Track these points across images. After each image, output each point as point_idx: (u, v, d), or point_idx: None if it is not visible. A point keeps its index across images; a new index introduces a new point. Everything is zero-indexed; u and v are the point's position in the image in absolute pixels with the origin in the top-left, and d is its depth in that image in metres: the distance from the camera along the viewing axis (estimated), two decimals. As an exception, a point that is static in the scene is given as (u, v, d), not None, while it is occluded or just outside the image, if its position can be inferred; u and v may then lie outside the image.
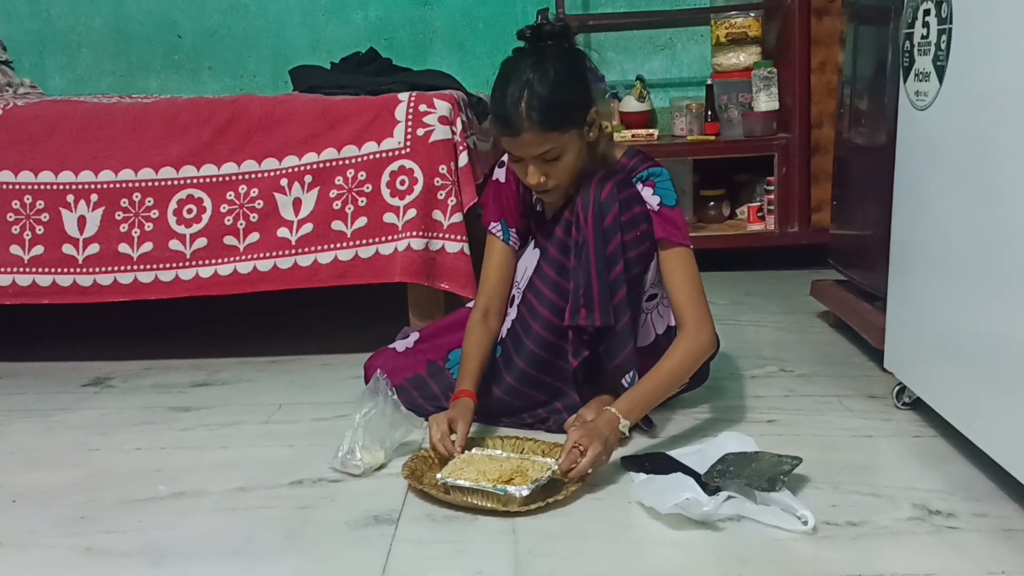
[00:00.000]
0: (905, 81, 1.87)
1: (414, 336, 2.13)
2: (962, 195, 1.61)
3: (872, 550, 1.39)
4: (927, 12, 1.75)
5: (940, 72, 1.69)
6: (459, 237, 2.41)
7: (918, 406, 1.92)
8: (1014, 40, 1.42)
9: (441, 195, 2.41)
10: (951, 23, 1.64)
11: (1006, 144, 1.45)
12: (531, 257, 1.94)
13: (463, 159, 2.44)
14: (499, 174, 1.98)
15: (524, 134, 1.71)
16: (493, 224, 1.96)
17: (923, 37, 1.76)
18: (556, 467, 1.61)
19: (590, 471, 1.60)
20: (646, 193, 1.82)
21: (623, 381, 1.80)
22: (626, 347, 1.81)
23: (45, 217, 2.49)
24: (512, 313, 1.93)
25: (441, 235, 2.41)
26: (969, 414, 1.63)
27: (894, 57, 2.07)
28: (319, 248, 2.44)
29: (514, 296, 1.95)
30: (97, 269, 2.48)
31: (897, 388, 1.97)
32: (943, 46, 1.67)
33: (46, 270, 2.49)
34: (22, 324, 2.83)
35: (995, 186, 1.49)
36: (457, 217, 2.41)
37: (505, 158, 1.95)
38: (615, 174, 1.81)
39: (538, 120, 1.70)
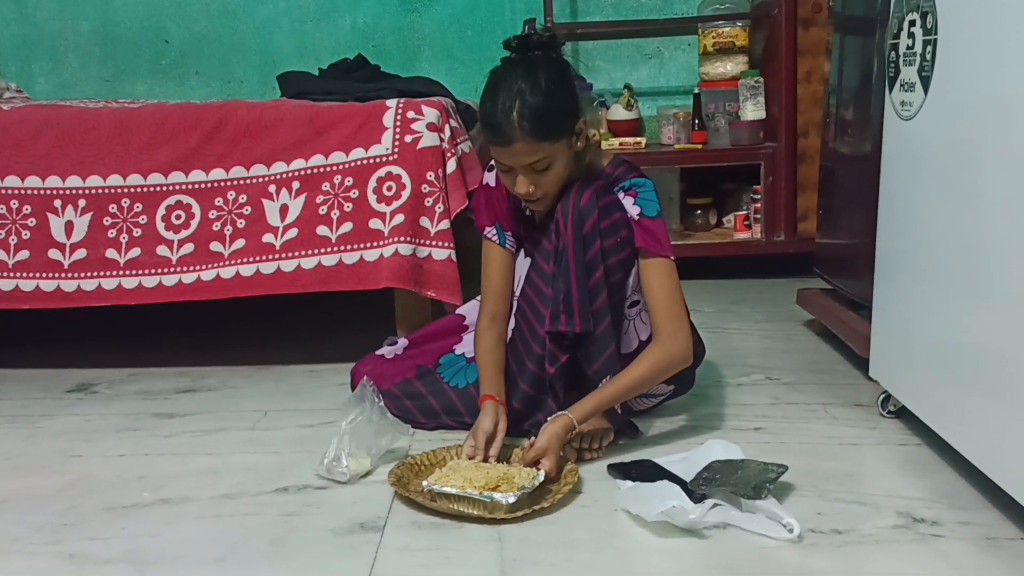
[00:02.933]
0: (890, 91, 1.88)
1: (402, 343, 2.12)
2: (947, 204, 1.62)
3: (857, 558, 1.39)
4: (912, 23, 1.76)
5: (925, 82, 1.70)
6: (446, 244, 2.41)
7: (903, 414, 1.93)
8: (999, 51, 1.44)
9: (428, 202, 2.41)
10: (936, 34, 1.65)
11: (990, 154, 1.46)
12: (523, 266, 1.94)
13: (451, 166, 2.44)
14: (489, 178, 1.98)
15: (516, 143, 1.71)
16: (488, 229, 1.95)
17: (908, 48, 1.78)
18: (542, 475, 1.61)
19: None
20: (627, 202, 1.82)
21: (600, 385, 1.81)
22: (605, 352, 1.81)
23: (31, 222, 2.47)
24: (512, 323, 1.93)
25: (428, 242, 2.41)
26: (954, 422, 1.63)
27: (879, 67, 2.08)
28: (303, 253, 2.42)
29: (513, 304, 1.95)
30: (82, 274, 2.46)
31: (882, 396, 1.98)
32: (928, 57, 1.68)
33: (30, 275, 2.47)
34: (6, 329, 2.81)
35: (979, 195, 1.50)
36: (444, 224, 2.41)
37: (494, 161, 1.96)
38: (595, 181, 1.82)
39: (530, 129, 1.70)
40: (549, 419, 1.73)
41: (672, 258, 1.81)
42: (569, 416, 1.71)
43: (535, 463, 1.66)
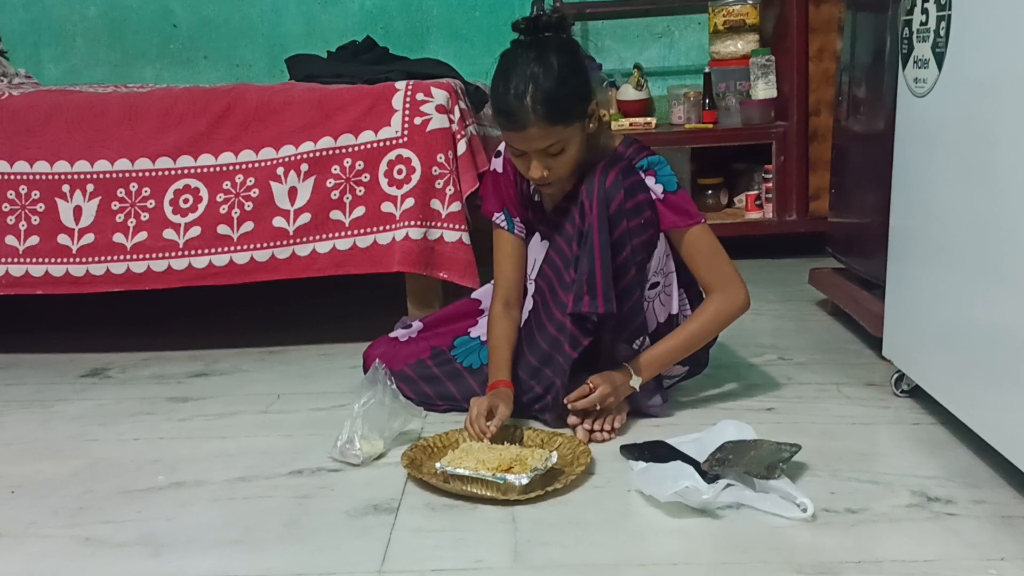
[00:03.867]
0: (904, 68, 1.86)
1: (417, 326, 2.12)
2: (961, 182, 1.61)
3: (871, 537, 1.39)
4: (926, -2, 1.74)
5: (939, 59, 1.68)
6: (458, 226, 2.41)
7: (916, 393, 1.92)
8: (1013, 27, 1.42)
9: (439, 184, 2.40)
10: (950, 9, 1.63)
11: (1005, 131, 1.44)
12: (539, 249, 1.94)
13: (462, 147, 2.43)
14: (496, 164, 1.97)
15: (530, 128, 1.70)
16: (496, 215, 1.95)
17: (922, 24, 1.76)
18: (555, 456, 1.61)
19: (597, 406, 1.78)
20: (649, 182, 1.82)
21: (634, 345, 1.84)
22: (636, 320, 1.83)
23: (41, 207, 2.48)
24: (528, 304, 1.93)
25: (440, 224, 2.41)
26: (967, 401, 1.63)
27: (893, 44, 2.06)
28: (317, 238, 2.43)
29: (526, 287, 1.95)
30: (90, 259, 2.46)
31: (895, 376, 1.97)
32: (942, 33, 1.66)
33: (40, 260, 2.47)
34: (20, 315, 2.82)
35: (994, 173, 1.49)
36: (455, 206, 2.40)
37: (502, 147, 1.95)
38: (618, 162, 1.81)
39: (544, 114, 1.69)
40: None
41: (703, 221, 1.85)
42: (627, 367, 1.81)
43: (590, 392, 1.77)
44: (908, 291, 1.88)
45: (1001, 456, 1.49)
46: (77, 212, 2.47)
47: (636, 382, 1.81)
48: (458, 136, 2.44)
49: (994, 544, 1.35)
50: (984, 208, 1.52)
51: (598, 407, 1.79)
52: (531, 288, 1.95)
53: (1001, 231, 1.46)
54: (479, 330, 2.05)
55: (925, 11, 1.74)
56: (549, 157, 1.75)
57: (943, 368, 1.72)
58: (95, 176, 2.47)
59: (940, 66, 1.68)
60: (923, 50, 1.75)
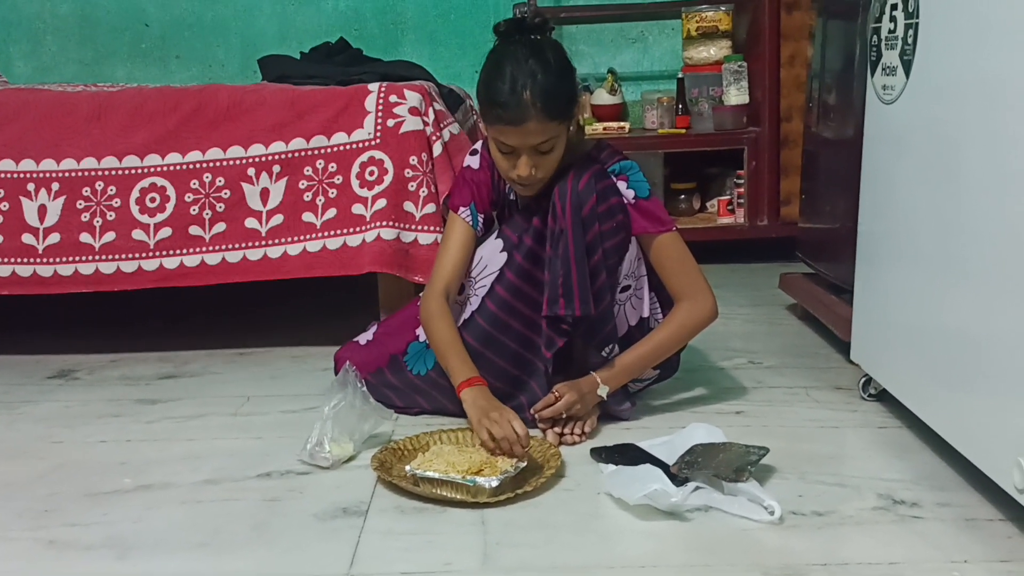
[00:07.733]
0: (872, 75, 1.88)
1: (373, 328, 2.11)
2: (928, 188, 1.63)
3: (838, 539, 1.40)
4: (894, 7, 1.76)
5: (907, 66, 1.70)
6: (433, 228, 2.39)
7: (884, 397, 1.94)
8: (979, 34, 1.44)
9: (412, 186, 2.40)
10: (918, 18, 1.65)
11: (971, 137, 1.46)
12: (490, 247, 1.92)
13: (437, 149, 2.43)
14: (471, 161, 1.96)
15: (529, 123, 1.71)
16: (463, 209, 1.93)
17: (890, 31, 1.78)
18: (525, 459, 1.61)
19: (563, 415, 1.79)
20: (621, 187, 1.83)
21: (603, 352, 1.83)
22: (606, 326, 1.83)
23: (5, 206, 2.44)
24: (473, 304, 1.91)
25: (413, 226, 2.40)
26: (933, 405, 1.64)
27: (862, 51, 2.08)
28: (289, 240, 2.41)
29: (464, 285, 1.93)
30: (57, 259, 2.43)
31: (863, 379, 1.99)
32: (910, 40, 1.69)
33: (5, 260, 2.44)
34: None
35: (960, 178, 1.50)
36: (430, 208, 2.39)
37: (478, 146, 1.95)
38: (591, 165, 1.82)
39: (542, 109, 1.70)
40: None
41: (674, 229, 1.85)
42: (594, 376, 1.81)
43: (556, 400, 1.77)
44: (876, 296, 1.90)
45: (966, 459, 1.51)
46: (41, 211, 2.44)
47: (604, 391, 1.81)
48: (433, 138, 2.43)
49: (958, 547, 1.36)
50: (949, 213, 1.54)
51: (564, 415, 1.79)
52: (473, 285, 1.91)
53: (965, 235, 1.48)
54: None
55: (893, 19, 1.76)
56: (539, 155, 1.76)
57: (909, 372, 1.74)
58: (61, 175, 2.44)
59: (908, 73, 1.70)
60: (891, 57, 1.77)
